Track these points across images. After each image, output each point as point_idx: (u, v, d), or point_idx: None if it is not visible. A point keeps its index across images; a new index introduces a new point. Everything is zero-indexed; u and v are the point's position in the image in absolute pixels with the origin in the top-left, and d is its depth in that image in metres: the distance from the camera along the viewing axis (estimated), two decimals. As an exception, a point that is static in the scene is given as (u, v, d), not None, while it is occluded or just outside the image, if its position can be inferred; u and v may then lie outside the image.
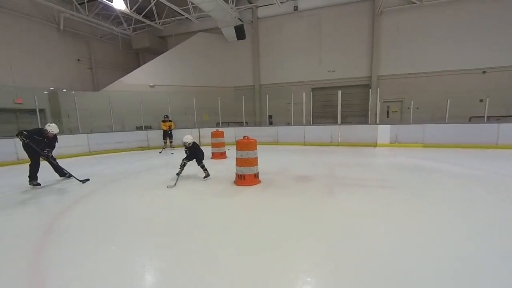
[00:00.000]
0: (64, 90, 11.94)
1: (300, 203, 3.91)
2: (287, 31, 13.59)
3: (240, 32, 12.22)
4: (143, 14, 12.52)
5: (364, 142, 10.10)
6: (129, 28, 14.16)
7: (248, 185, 4.88)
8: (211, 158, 8.15)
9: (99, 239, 2.87)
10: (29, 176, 5.26)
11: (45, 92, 11.49)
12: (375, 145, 9.93)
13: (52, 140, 5.47)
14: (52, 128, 5.31)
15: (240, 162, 4.94)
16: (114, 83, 12.59)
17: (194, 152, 5.44)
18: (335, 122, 11.09)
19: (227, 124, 13.41)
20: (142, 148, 11.35)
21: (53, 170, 5.75)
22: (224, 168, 6.44)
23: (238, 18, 12.07)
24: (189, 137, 5.35)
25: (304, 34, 13.31)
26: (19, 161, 8.16)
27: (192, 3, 11.49)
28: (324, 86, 13.28)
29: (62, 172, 5.80)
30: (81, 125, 10.47)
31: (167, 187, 4.91)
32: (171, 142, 11.23)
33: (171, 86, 13.48)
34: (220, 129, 12.15)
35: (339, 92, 10.59)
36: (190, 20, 14.24)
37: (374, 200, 3.94)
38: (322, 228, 3.05)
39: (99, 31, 14.00)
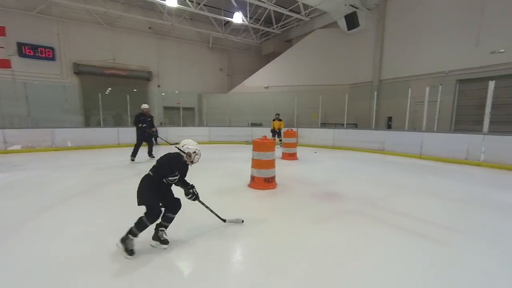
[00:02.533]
0: (203, 93, 15.67)
1: (280, 231, 3.01)
2: (426, 5, 10.27)
3: (351, 21, 10.70)
4: (260, 23, 13.82)
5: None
6: (256, 37, 16.10)
7: (256, 188, 4.55)
8: (281, 158, 7.98)
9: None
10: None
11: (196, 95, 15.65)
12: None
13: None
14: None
15: (253, 163, 4.66)
16: (238, 86, 14.98)
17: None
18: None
19: (334, 125, 12.27)
20: (247, 142, 12.83)
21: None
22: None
23: (351, 5, 10.57)
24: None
25: (454, 4, 9.53)
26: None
27: (302, 2, 11.35)
28: (481, 76, 8.93)
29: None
30: (209, 119, 13.62)
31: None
32: (280, 140, 11.26)
33: (284, 86, 14.10)
34: (316, 129, 11.57)
35: (491, 84, 6.84)
36: (313, 19, 14.14)
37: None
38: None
39: (237, 44, 17.00)
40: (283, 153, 8.04)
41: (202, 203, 2.79)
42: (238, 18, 11.83)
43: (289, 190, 4.55)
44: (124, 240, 2.28)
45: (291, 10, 12.83)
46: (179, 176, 2.46)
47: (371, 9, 11.82)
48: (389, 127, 11.69)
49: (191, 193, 2.56)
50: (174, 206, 2.49)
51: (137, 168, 6.42)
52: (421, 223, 3.11)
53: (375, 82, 12.13)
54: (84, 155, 8.63)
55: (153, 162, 2.45)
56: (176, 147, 2.55)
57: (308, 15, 13.39)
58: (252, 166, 4.65)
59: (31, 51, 11.31)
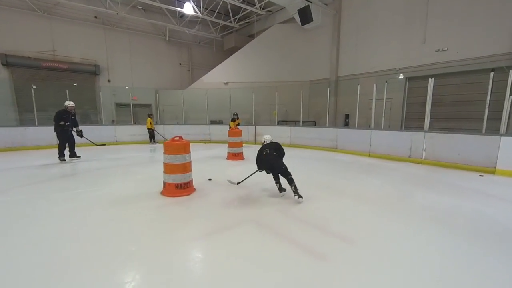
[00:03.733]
0: (159, 89, 14.74)
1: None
2: (378, 3, 10.24)
3: (304, 15, 10.41)
4: (214, 15, 13.14)
5: (467, 163, 6.05)
6: (216, 31, 15.39)
7: (168, 196, 3.99)
8: (226, 158, 7.48)
9: None
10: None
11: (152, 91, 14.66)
12: (486, 170, 5.71)
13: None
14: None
15: (164, 168, 4.09)
16: (196, 82, 14.24)
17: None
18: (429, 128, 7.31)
19: (295, 123, 11.99)
20: (204, 141, 12.20)
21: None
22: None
23: (306, -1, 10.28)
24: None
25: (402, 4, 9.55)
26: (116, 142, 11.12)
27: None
28: (427, 74, 9.02)
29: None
30: (166, 117, 12.79)
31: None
32: None
33: (243, 82, 13.59)
34: (273, 127, 11.21)
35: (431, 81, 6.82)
36: (274, 14, 13.74)
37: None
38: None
39: (197, 38, 16.18)
40: (228, 153, 7.53)
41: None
42: (189, 9, 11.08)
43: (204, 196, 4.05)
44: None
45: (247, 3, 12.32)
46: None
47: (328, 4, 11.64)
48: (346, 124, 11.64)
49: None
50: None
51: (46, 174, 5.57)
52: (317, 232, 2.75)
53: (332, 78, 12.01)
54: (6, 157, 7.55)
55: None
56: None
57: (265, 9, 12.96)
58: (164, 171, 4.08)
59: None
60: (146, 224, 3.03)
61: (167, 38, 15.01)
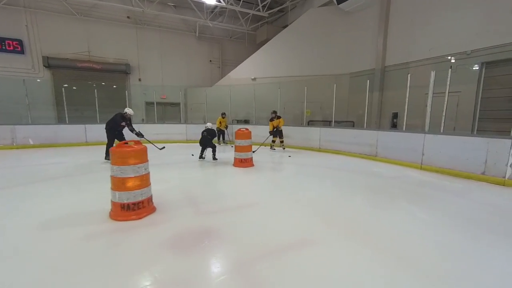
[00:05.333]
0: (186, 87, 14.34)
1: None
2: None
3: (341, -8, 8.54)
4: (240, 4, 11.95)
5: None
6: (246, 23, 14.29)
7: (115, 220, 3.03)
8: (233, 165, 6.33)
9: None
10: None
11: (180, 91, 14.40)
12: None
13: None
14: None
15: (112, 183, 3.13)
16: (223, 78, 13.43)
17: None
18: None
19: (329, 123, 10.22)
20: (230, 142, 11.27)
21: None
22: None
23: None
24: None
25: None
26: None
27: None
28: (517, 57, 6.42)
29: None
30: (193, 115, 12.37)
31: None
32: (282, 141, 9.19)
33: (273, 77, 12.26)
34: (300, 128, 9.67)
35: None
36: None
37: None
38: None
39: (229, 32, 15.38)
40: (234, 158, 6.37)
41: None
42: (211, -1, 10.22)
43: (159, 223, 2.96)
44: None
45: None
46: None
47: (374, -21, 9.54)
48: (394, 125, 9.40)
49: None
50: None
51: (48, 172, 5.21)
52: None
53: (377, 68, 9.84)
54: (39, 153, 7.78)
55: None
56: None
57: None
58: (111, 187, 3.13)
59: (-3, 44, 10.76)
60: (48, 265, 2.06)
61: (197, 34, 14.55)
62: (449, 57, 7.53)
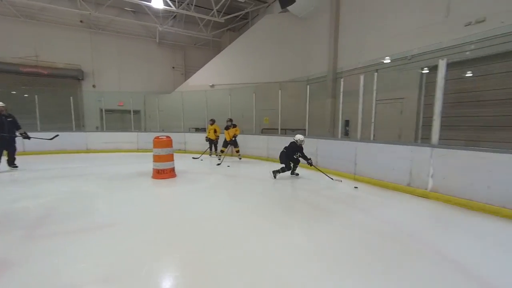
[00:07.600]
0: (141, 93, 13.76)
1: None
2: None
3: (284, -3, 8.27)
4: (192, 9, 11.55)
5: (502, 203, 3.33)
6: (206, 29, 13.90)
7: None
8: (152, 177, 5.69)
9: None
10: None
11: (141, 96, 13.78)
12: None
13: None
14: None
15: None
16: (182, 85, 12.93)
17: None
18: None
19: (284, 131, 9.76)
20: (179, 151, 10.67)
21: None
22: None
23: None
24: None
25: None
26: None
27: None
28: (463, 59, 6.13)
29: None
30: (151, 124, 11.71)
31: None
32: (237, 151, 8.89)
33: (230, 84, 11.83)
34: (250, 136, 9.20)
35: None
36: (272, 5, 11.84)
37: None
38: None
39: (193, 39, 15.01)
40: (152, 169, 5.75)
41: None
42: (158, 2, 9.79)
43: None
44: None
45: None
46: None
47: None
48: (346, 133, 9.01)
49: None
50: None
51: None
52: None
53: (329, 75, 9.53)
54: None
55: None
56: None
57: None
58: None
59: None
60: None
61: (157, 40, 14.10)
62: (383, 61, 7.26)
